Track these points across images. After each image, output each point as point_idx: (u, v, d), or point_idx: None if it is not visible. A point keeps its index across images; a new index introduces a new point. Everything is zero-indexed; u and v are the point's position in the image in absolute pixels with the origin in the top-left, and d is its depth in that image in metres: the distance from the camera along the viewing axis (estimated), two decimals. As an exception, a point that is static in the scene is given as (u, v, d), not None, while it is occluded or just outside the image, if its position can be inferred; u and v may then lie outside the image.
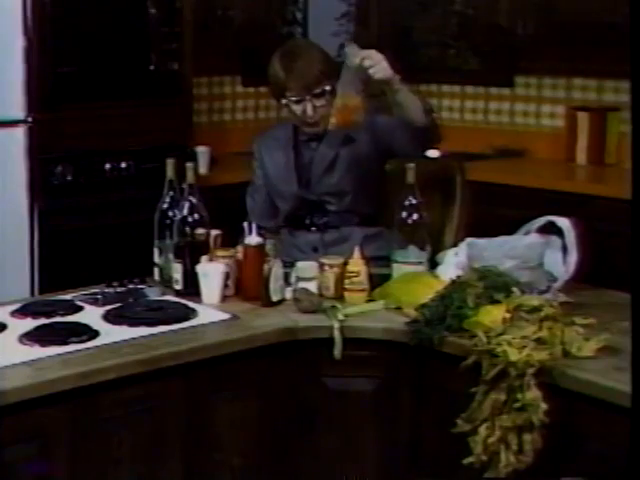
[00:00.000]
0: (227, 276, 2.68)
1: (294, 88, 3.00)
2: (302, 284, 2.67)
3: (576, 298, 2.59)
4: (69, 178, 4.07)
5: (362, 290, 2.67)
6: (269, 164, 3.18)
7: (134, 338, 2.38)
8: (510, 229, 2.76)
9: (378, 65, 2.73)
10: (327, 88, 3.00)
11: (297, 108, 3.02)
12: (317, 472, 2.57)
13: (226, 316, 2.56)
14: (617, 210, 3.83)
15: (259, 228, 2.77)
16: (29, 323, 2.46)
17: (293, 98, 3.01)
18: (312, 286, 2.67)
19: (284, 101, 3.04)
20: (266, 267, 2.62)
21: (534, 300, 2.34)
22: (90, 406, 2.21)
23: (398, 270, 2.72)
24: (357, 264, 2.68)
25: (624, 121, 4.58)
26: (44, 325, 2.45)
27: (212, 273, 2.66)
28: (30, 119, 3.89)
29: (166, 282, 2.80)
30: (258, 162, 3.22)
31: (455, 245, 2.75)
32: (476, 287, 2.43)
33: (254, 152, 3.25)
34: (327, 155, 3.07)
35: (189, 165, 2.77)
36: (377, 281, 2.71)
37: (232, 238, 2.80)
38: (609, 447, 2.07)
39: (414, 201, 2.75)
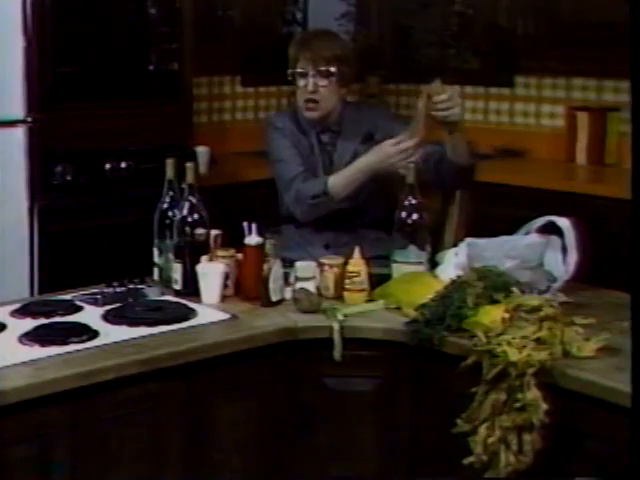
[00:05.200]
0: (227, 276, 2.68)
1: (302, 60, 3.04)
2: (301, 284, 2.67)
3: (576, 298, 2.60)
4: (69, 178, 4.07)
5: (362, 290, 2.67)
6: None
7: (134, 338, 2.37)
8: (510, 229, 2.76)
9: (456, 108, 2.79)
10: (332, 70, 3.02)
11: (301, 82, 3.05)
12: (317, 472, 2.56)
13: (226, 316, 2.56)
14: (617, 210, 3.83)
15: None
16: (29, 323, 2.46)
17: (299, 70, 3.04)
18: (311, 286, 2.67)
19: (290, 71, 3.07)
20: (266, 267, 2.61)
21: (534, 300, 2.34)
22: (90, 406, 2.21)
23: (398, 270, 2.72)
24: (357, 264, 2.67)
25: (624, 121, 4.58)
26: (44, 325, 2.45)
27: (212, 273, 2.66)
28: (30, 119, 3.88)
29: (166, 282, 2.80)
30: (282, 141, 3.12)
31: (455, 245, 2.75)
32: (476, 287, 2.43)
33: (271, 130, 3.17)
34: (346, 151, 3.07)
35: (189, 165, 2.77)
36: (377, 281, 2.71)
37: (232, 238, 2.79)
38: (609, 447, 2.07)
39: (414, 201, 2.76)
